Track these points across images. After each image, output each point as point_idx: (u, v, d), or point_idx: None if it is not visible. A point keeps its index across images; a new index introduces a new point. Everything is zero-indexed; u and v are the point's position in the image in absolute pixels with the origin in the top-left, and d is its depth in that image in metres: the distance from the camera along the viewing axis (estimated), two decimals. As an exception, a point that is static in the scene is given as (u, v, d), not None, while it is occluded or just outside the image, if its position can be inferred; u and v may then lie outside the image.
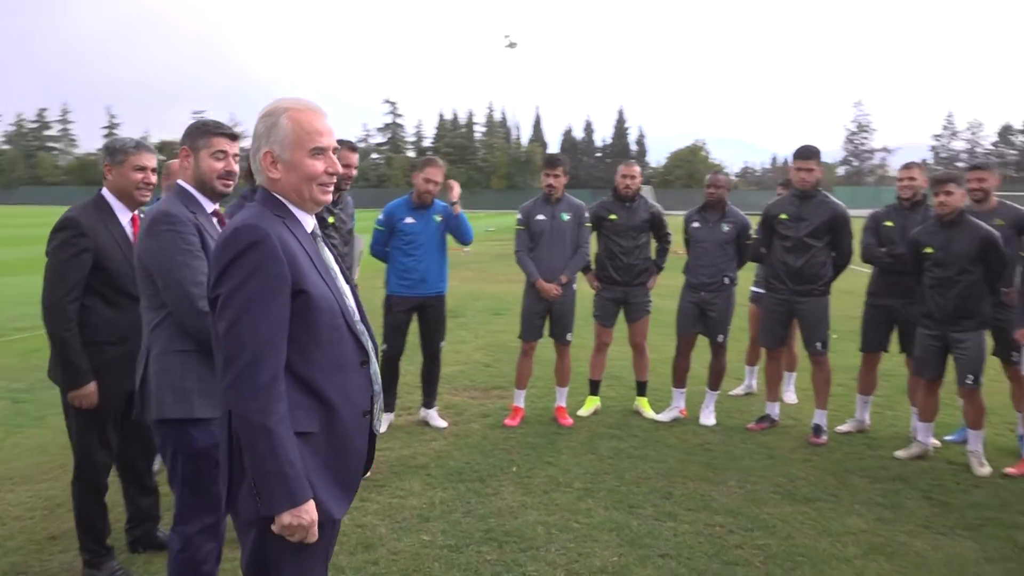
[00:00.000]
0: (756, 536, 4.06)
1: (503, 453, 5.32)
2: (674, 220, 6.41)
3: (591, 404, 6.35)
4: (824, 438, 5.65)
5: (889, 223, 5.73)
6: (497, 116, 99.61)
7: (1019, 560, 3.82)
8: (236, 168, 2.92)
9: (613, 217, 6.16)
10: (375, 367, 2.23)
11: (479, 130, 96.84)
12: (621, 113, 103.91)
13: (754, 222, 6.21)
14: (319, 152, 2.11)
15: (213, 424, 2.71)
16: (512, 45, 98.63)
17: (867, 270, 6.00)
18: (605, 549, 3.90)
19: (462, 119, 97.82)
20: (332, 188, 2.17)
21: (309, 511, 1.98)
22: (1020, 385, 5.25)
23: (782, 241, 5.76)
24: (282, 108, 2.11)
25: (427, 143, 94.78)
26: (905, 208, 5.72)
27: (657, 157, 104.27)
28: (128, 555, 3.79)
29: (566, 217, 6.00)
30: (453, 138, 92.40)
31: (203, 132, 2.86)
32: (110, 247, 3.36)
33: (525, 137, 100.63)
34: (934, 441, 5.48)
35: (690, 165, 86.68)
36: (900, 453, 5.36)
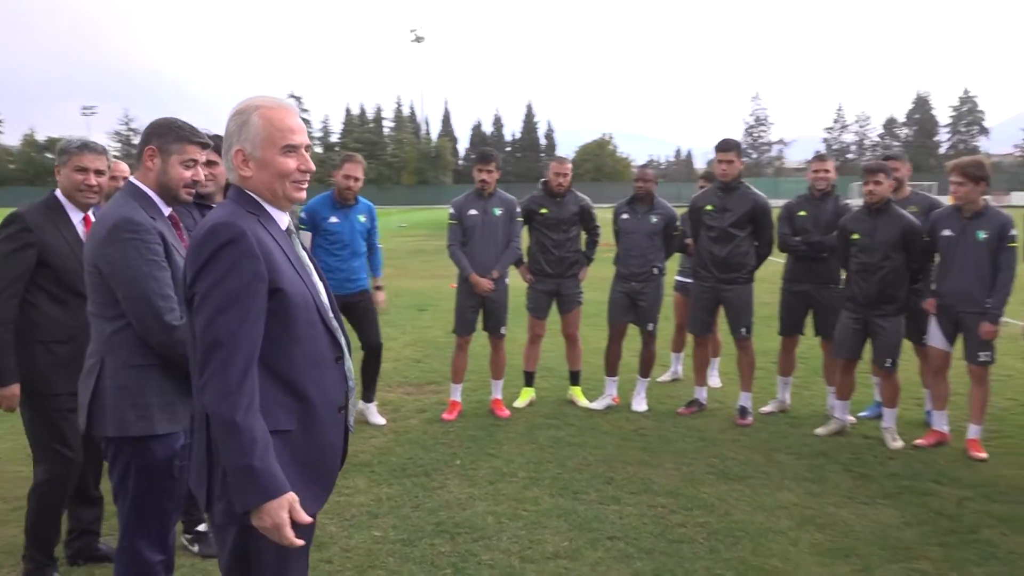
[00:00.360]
0: (697, 515, 4.24)
1: (444, 447, 5.35)
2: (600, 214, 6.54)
3: (526, 395, 6.45)
4: (750, 419, 5.92)
5: (803, 213, 6.04)
6: (406, 111, 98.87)
7: (934, 523, 4.13)
8: (202, 177, 2.85)
9: (544, 211, 6.26)
10: (349, 363, 2.25)
11: (388, 125, 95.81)
12: (530, 107, 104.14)
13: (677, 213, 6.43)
14: (291, 150, 2.10)
15: (171, 437, 2.66)
16: (419, 39, 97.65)
17: (780, 259, 6.30)
18: (555, 535, 4.00)
19: (370, 114, 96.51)
20: (306, 185, 2.17)
21: (281, 507, 1.94)
22: (927, 363, 5.63)
23: (708, 232, 6.00)
24: (253, 106, 2.10)
25: (334, 138, 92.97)
26: (817, 198, 6.03)
27: (565, 150, 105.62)
28: (67, 567, 3.65)
29: (498, 212, 6.06)
30: (361, 133, 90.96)
31: (177, 137, 2.75)
32: (58, 244, 3.26)
33: (434, 132, 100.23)
34: (850, 418, 5.83)
35: (598, 159, 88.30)
36: (820, 430, 5.68)
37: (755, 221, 5.94)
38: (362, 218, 5.78)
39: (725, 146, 6.02)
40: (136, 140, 2.79)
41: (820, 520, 4.17)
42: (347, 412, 2.25)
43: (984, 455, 5.11)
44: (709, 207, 6.01)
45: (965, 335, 5.28)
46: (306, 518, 2.01)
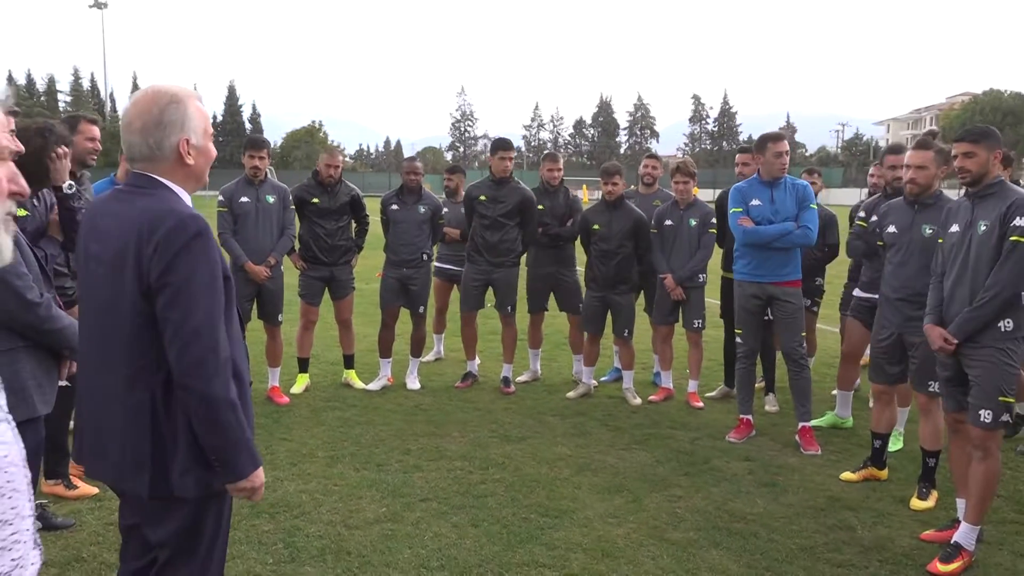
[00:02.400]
0: (492, 472, 4.75)
1: (232, 436, 5.30)
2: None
3: (302, 381, 6.53)
4: (513, 388, 6.60)
5: (541, 206, 6.74)
6: (86, 83, 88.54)
7: (677, 459, 5.06)
8: (22, 148, 2.68)
9: (315, 201, 6.37)
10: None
11: (64, 99, 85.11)
12: (232, 89, 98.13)
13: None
14: (211, 137, 2.24)
15: (40, 422, 2.55)
16: (100, 4, 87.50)
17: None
18: (371, 503, 4.27)
19: (40, 85, 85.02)
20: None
21: (262, 472, 2.18)
22: (658, 333, 6.67)
23: (481, 219, 6.54)
24: (187, 95, 2.16)
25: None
26: (551, 192, 6.79)
27: (273, 136, 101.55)
28: None
29: (271, 199, 6.06)
30: (30, 107, 79.54)
31: None
32: None
33: (121, 108, 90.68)
34: (594, 382, 6.75)
35: (308, 146, 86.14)
36: (571, 394, 6.51)
37: (523, 212, 6.55)
38: None
39: (506, 145, 6.58)
40: None
41: (593, 466, 4.90)
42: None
43: (701, 404, 6.27)
44: (483, 197, 6.54)
45: (683, 306, 6.39)
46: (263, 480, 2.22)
